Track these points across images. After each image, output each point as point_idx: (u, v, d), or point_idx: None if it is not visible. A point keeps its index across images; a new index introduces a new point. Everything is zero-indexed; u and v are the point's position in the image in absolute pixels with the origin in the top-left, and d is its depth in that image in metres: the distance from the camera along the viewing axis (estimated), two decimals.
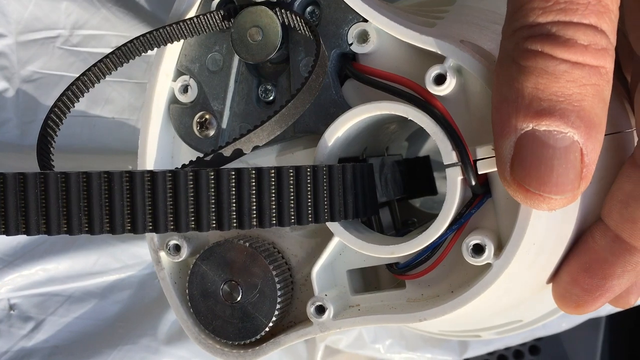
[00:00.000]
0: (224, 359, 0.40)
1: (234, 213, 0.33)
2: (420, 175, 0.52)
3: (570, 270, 0.39)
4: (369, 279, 0.41)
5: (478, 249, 0.35)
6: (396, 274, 0.38)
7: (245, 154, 0.35)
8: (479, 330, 0.49)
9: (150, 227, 0.32)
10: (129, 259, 0.57)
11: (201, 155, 0.35)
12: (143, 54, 0.40)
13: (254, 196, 0.33)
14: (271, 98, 0.41)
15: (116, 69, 0.40)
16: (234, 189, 0.33)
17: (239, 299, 0.39)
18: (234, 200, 0.33)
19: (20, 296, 0.55)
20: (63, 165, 0.55)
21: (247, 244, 0.39)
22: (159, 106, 0.41)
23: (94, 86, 0.40)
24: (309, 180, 0.34)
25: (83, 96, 0.40)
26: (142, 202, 0.32)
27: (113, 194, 0.32)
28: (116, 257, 0.57)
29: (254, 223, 0.33)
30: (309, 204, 0.34)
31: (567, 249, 0.39)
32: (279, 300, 0.39)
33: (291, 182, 0.33)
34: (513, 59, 0.32)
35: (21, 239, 0.54)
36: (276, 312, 0.39)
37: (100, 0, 0.57)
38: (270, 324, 0.39)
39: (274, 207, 0.33)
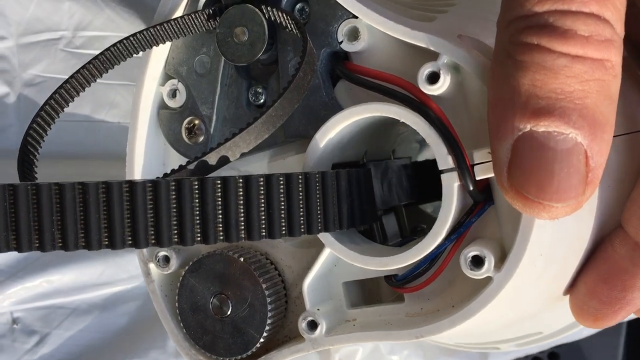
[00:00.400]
0: None
1: (220, 225, 0.31)
2: (429, 180, 0.49)
3: (588, 281, 0.36)
4: (369, 291, 0.39)
5: (477, 261, 0.33)
6: (394, 287, 0.36)
7: (232, 160, 0.33)
8: (497, 343, 0.46)
9: (130, 242, 0.30)
10: (135, 270, 0.56)
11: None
12: (128, 58, 0.39)
13: (241, 207, 0.31)
14: (261, 101, 0.39)
15: (101, 76, 0.39)
16: (219, 199, 0.30)
17: (228, 313, 0.37)
18: (220, 212, 0.30)
19: (24, 309, 0.54)
20: (66, 172, 0.55)
21: (237, 256, 0.37)
22: (146, 111, 0.40)
23: (78, 94, 0.39)
24: (300, 189, 0.32)
25: (67, 105, 0.39)
26: (120, 215, 0.30)
27: (88, 206, 0.30)
28: (123, 267, 0.56)
29: (242, 235, 0.31)
30: (301, 214, 0.32)
31: (583, 258, 0.36)
32: (269, 314, 0.37)
33: (282, 190, 0.31)
34: (508, 53, 0.29)
35: None
36: (267, 327, 0.37)
37: (104, 0, 0.56)
38: (262, 340, 0.37)
39: (263, 218, 0.31)
